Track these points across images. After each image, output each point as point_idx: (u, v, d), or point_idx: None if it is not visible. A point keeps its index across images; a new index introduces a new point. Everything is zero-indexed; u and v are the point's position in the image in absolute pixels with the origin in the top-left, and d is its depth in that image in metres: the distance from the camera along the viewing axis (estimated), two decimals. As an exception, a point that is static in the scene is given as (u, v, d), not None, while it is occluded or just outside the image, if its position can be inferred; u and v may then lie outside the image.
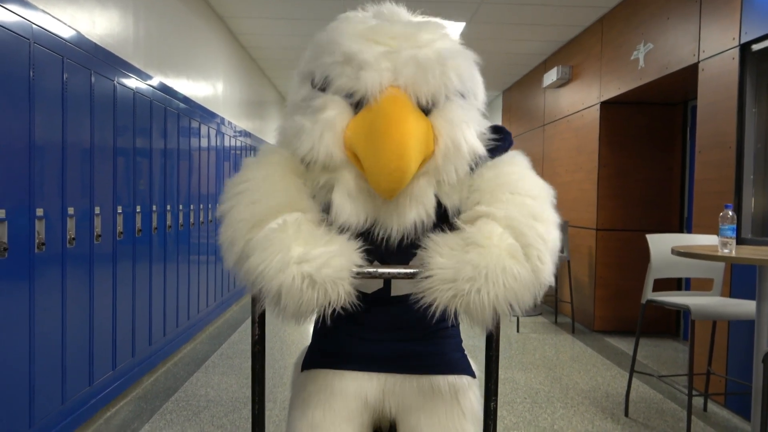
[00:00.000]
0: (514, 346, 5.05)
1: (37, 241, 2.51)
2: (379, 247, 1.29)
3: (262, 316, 1.22)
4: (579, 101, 5.92)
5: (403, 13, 1.41)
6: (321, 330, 1.40)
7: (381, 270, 1.20)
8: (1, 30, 2.28)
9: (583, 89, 5.83)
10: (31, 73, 2.47)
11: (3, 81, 2.32)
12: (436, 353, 1.40)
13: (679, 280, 4.51)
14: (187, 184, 4.63)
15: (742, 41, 3.42)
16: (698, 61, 3.86)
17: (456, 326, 1.45)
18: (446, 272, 1.16)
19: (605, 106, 5.37)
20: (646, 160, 5.39)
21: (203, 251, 5.14)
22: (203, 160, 5.15)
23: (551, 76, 6.37)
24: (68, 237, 2.78)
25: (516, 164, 1.36)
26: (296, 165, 1.31)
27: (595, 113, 5.49)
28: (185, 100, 4.58)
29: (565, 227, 5.75)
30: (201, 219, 5.06)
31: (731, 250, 2.49)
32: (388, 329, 1.34)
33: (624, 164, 5.39)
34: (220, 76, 5.92)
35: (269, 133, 8.49)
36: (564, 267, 5.92)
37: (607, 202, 5.42)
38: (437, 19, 1.38)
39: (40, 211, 2.53)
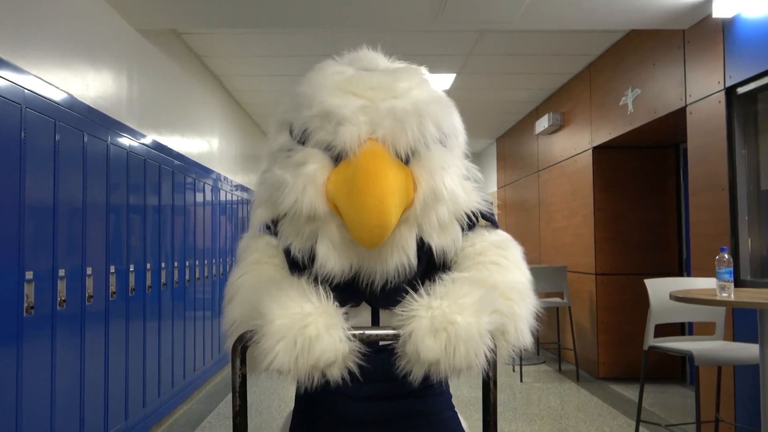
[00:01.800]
0: (518, 396, 4.94)
1: (25, 304, 2.47)
2: (364, 292, 1.31)
3: (243, 385, 1.18)
4: (571, 147, 5.97)
5: (380, 59, 1.43)
6: (304, 390, 1.36)
7: (368, 332, 1.19)
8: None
9: (574, 135, 5.89)
10: (23, 135, 2.49)
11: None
12: (426, 413, 1.37)
13: (682, 323, 4.44)
14: (182, 241, 4.61)
15: (727, 85, 3.47)
16: (686, 105, 3.90)
17: (445, 382, 1.42)
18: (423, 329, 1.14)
19: (597, 151, 5.42)
20: (641, 203, 5.40)
21: (199, 307, 5.08)
22: (199, 216, 5.15)
23: (543, 123, 6.44)
24: (59, 299, 2.74)
25: (507, 250, 1.39)
26: (275, 254, 1.38)
27: (588, 158, 5.53)
28: (180, 157, 4.61)
29: (563, 272, 5.71)
30: (197, 275, 5.02)
31: (730, 294, 2.46)
32: (375, 380, 1.29)
33: (619, 208, 5.40)
34: (216, 133, 5.98)
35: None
36: (565, 313, 5.84)
37: (604, 246, 5.40)
38: (413, 66, 1.40)
39: (29, 274, 2.51)
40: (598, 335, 5.43)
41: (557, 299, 5.81)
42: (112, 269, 3.34)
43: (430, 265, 1.35)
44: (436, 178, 1.27)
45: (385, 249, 1.26)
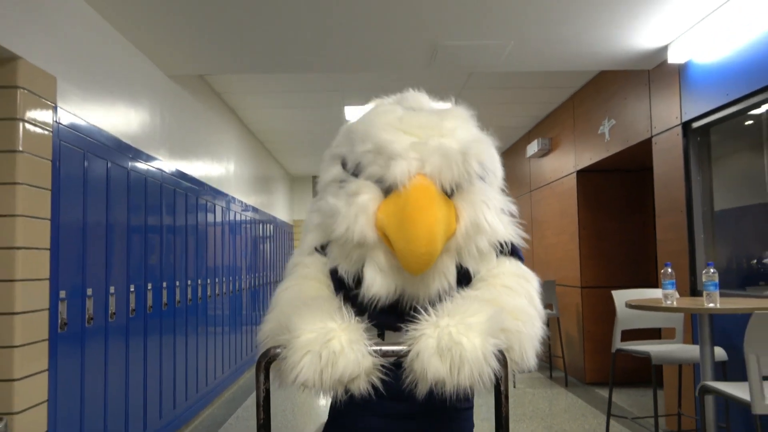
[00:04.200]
0: (510, 400, 5.38)
1: (59, 321, 2.76)
2: (408, 314, 1.35)
3: (267, 398, 1.21)
4: (559, 169, 6.46)
5: (425, 99, 1.56)
6: (337, 405, 1.40)
7: (384, 347, 1.24)
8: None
9: (561, 159, 6.39)
10: (58, 163, 2.78)
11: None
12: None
13: (660, 330, 4.90)
14: (194, 260, 5.08)
15: (684, 119, 3.97)
16: (651, 136, 4.41)
17: (469, 406, 1.52)
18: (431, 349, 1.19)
19: (581, 173, 5.91)
20: (621, 221, 5.88)
21: (210, 323, 5.37)
22: (212, 236, 5.63)
23: (533, 147, 6.95)
24: (87, 316, 3.00)
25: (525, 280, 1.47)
26: (322, 270, 1.47)
27: (573, 180, 6.02)
28: (198, 182, 5.13)
29: (552, 285, 6.18)
30: (208, 293, 5.39)
31: (672, 302, 2.93)
32: (399, 398, 1.30)
33: (602, 226, 5.88)
34: (232, 159, 6.51)
35: (273, 206, 9.06)
36: (554, 324, 6.30)
37: (588, 262, 5.88)
38: (458, 107, 1.52)
39: (63, 293, 2.81)
40: (584, 344, 5.89)
41: (548, 311, 6.28)
42: (132, 288, 3.62)
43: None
44: (478, 211, 1.36)
45: (427, 274, 1.34)
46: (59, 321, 2.76)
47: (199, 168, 5.24)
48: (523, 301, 1.37)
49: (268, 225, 8.33)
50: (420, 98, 1.55)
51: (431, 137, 1.36)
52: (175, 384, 4.30)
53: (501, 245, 1.44)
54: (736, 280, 3.78)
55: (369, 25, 3.56)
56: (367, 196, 1.34)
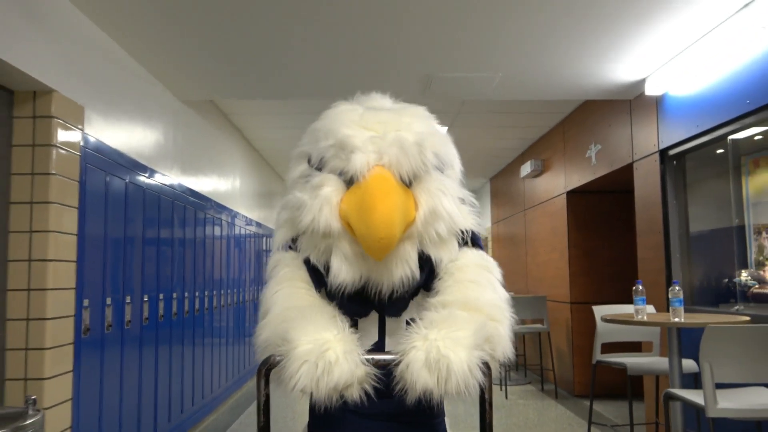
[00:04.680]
0: (501, 410, 5.63)
1: (83, 327, 3.03)
2: (373, 301, 1.49)
3: (267, 403, 1.28)
4: (550, 190, 6.75)
5: (386, 101, 1.65)
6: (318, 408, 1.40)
7: (377, 357, 1.33)
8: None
9: (552, 180, 6.68)
10: (84, 183, 3.08)
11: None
12: (421, 424, 1.55)
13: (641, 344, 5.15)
14: (202, 272, 5.37)
15: (661, 147, 4.26)
16: (633, 161, 4.69)
17: (440, 411, 1.60)
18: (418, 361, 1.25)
19: (570, 194, 6.19)
20: (608, 240, 6.15)
21: (216, 333, 5.61)
22: (218, 249, 5.91)
23: (527, 168, 7.24)
24: (106, 323, 3.26)
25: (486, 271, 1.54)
26: (301, 266, 1.54)
27: (563, 201, 6.30)
28: (205, 198, 5.41)
29: (543, 301, 6.44)
30: (214, 304, 5.59)
31: (643, 316, 3.20)
32: (382, 395, 1.33)
33: (590, 245, 6.15)
34: (237, 175, 6.80)
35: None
36: (545, 338, 6.55)
37: (577, 279, 6.14)
38: (416, 105, 1.61)
39: (86, 302, 3.10)
40: (573, 357, 6.13)
41: (539, 325, 6.53)
42: (146, 297, 3.91)
43: (431, 275, 1.51)
44: (435, 199, 1.44)
45: (390, 262, 1.42)
46: (83, 327, 3.04)
47: (206, 184, 5.54)
48: (493, 295, 1.47)
49: (270, 238, 8.61)
50: (381, 100, 1.66)
51: (389, 131, 1.45)
52: (182, 389, 4.56)
53: (462, 233, 1.52)
54: (711, 298, 4.04)
55: (368, 56, 3.86)
56: (330, 188, 1.43)
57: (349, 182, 1.43)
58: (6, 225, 2.71)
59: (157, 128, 4.29)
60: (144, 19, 3.25)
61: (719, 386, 2.92)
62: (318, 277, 1.51)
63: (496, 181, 9.71)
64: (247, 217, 7.14)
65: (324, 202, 1.41)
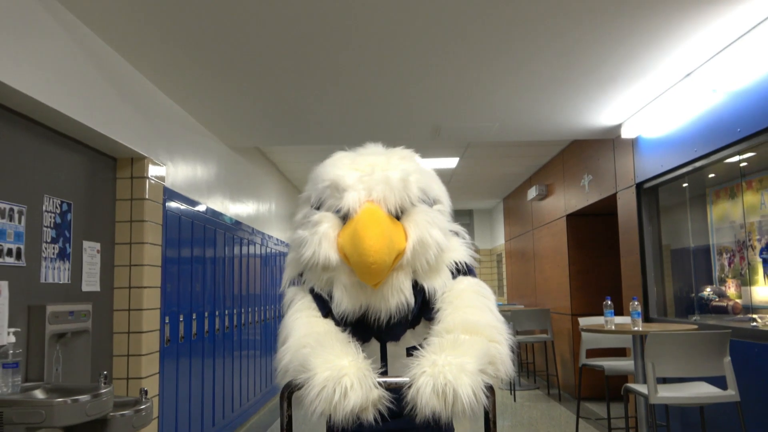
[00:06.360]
0: (508, 410, 6.36)
1: (164, 338, 3.98)
2: (372, 327, 1.59)
3: (290, 424, 1.37)
4: (553, 212, 7.48)
5: (379, 148, 1.74)
6: (334, 427, 1.46)
7: (389, 380, 1.40)
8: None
9: (554, 203, 7.42)
10: (165, 226, 4.09)
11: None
12: None
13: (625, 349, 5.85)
14: (246, 290, 6.20)
15: (637, 181, 4.99)
16: (616, 192, 5.43)
17: (450, 428, 1.67)
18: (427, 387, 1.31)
19: (569, 217, 6.92)
20: (604, 258, 6.85)
21: (251, 347, 6.49)
22: (254, 269, 6.75)
23: (533, 192, 7.98)
24: (179, 335, 4.25)
25: (481, 297, 1.60)
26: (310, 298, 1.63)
27: (564, 222, 7.03)
28: (240, 224, 6.26)
29: (548, 313, 7.16)
30: (250, 320, 6.34)
31: (611, 326, 3.93)
32: (393, 415, 1.40)
33: (587, 262, 6.86)
34: (273, 201, 7.66)
35: (307, 242, 10.13)
36: (549, 347, 7.25)
37: (577, 293, 6.85)
38: (403, 149, 1.73)
39: (167, 318, 4.09)
40: (575, 364, 6.83)
41: (544, 335, 7.25)
42: (206, 314, 4.78)
43: (425, 304, 1.59)
44: (422, 229, 1.53)
45: (386, 290, 1.52)
46: (164, 338, 3.88)
47: (246, 212, 6.39)
48: (491, 317, 1.55)
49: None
50: (375, 146, 1.76)
51: (378, 171, 1.59)
52: (232, 392, 5.37)
53: (456, 264, 1.63)
54: (681, 310, 4.75)
55: (387, 110, 4.68)
56: (328, 224, 1.55)
57: (344, 218, 1.55)
58: (112, 260, 3.56)
59: (210, 171, 5.16)
60: (206, 88, 4.11)
61: (670, 380, 3.66)
62: (323, 303, 1.62)
63: (508, 201, 10.45)
64: (278, 239, 7.99)
65: (323, 237, 1.53)
